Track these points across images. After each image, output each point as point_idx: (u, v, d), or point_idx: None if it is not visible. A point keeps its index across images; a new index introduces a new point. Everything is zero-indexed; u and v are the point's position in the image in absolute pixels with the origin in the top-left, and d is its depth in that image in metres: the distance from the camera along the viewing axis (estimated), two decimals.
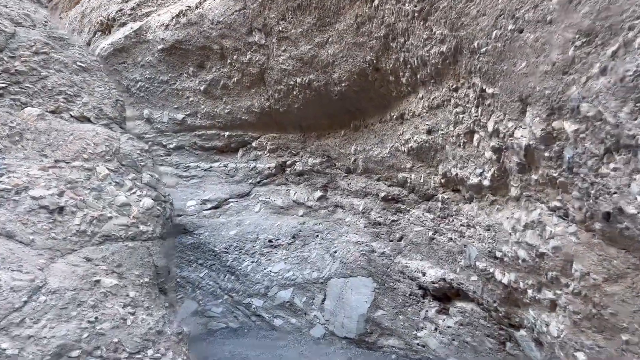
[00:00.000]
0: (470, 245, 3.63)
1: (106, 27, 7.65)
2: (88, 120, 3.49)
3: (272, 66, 5.17)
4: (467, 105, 3.29)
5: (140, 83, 6.80)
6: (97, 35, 7.88)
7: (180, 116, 6.47)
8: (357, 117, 4.79)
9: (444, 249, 4.04)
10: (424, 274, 4.17)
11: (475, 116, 3.21)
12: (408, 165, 4.31)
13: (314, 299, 4.92)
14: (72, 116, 3.40)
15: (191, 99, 6.34)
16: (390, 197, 4.60)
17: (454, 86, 3.38)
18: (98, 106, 3.59)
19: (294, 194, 5.57)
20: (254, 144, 5.99)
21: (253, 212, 5.75)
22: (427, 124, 3.81)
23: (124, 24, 7.13)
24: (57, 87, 3.44)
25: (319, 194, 5.36)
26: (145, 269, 3.13)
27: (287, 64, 4.93)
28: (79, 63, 3.63)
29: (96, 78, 3.71)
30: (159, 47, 6.38)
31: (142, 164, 3.53)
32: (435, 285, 4.04)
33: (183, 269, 5.54)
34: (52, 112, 3.34)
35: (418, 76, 3.73)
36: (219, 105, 6.08)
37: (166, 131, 6.66)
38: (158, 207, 3.44)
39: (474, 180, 3.36)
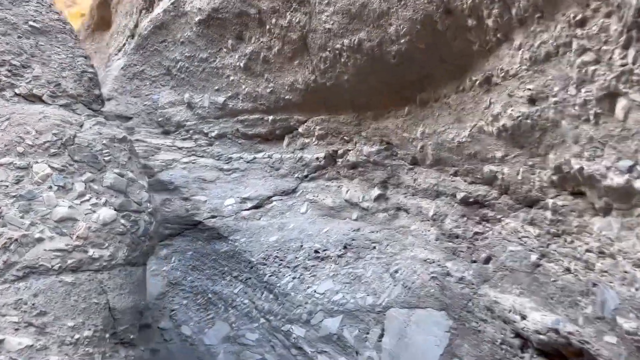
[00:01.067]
0: (606, 286, 2.20)
1: (150, 4, 6.97)
2: (39, 99, 2.58)
3: (314, 27, 3.99)
4: (605, 49, 1.88)
5: (180, 63, 5.96)
6: (142, 14, 7.24)
7: (221, 99, 5.52)
8: (425, 87, 3.45)
9: (556, 283, 2.62)
10: (523, 317, 2.78)
11: (622, 65, 1.80)
12: (498, 154, 2.91)
13: (368, 333, 3.71)
14: (16, 94, 2.51)
15: (231, 77, 5.36)
16: (472, 200, 3.22)
17: (578, 17, 1.98)
18: (54, 80, 2.65)
19: (347, 191, 4.37)
20: (300, 130, 4.86)
21: (298, 214, 4.64)
22: (530, 89, 2.41)
23: None
24: None
25: (376, 192, 4.10)
26: (88, 315, 2.14)
27: (331, 22, 3.73)
28: (31, 23, 2.72)
29: (56, 42, 2.78)
30: (197, 19, 5.48)
31: (106, 158, 2.54)
32: (542, 336, 2.64)
33: (216, 282, 4.61)
34: None
35: (513, 12, 2.34)
36: (261, 83, 5.02)
37: (207, 117, 5.76)
38: (123, 221, 2.43)
39: (616, 179, 1.95)
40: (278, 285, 4.22)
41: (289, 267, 4.23)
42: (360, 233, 4.11)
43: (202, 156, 5.69)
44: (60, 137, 2.43)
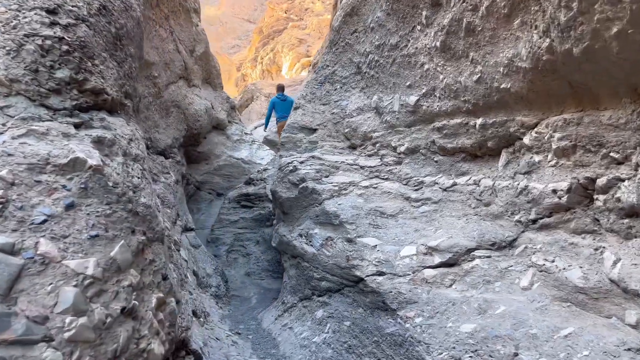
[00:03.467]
0: None
1: None
2: None
3: None
4: None
5: (370, 56, 4.61)
6: (338, 5, 6.17)
7: (413, 98, 3.91)
8: None
9: None
10: None
11: None
12: None
13: None
14: None
15: (426, 66, 3.70)
16: None
17: None
18: None
19: (615, 262, 2.19)
20: (526, 140, 2.85)
21: (516, 289, 2.65)
22: None
23: None
24: None
25: None
26: None
27: None
28: None
29: None
30: None
31: None
32: None
33: None
34: None
35: None
36: (464, 68, 3.23)
37: (397, 125, 4.22)
38: None
39: None
40: None
41: None
42: None
43: (386, 178, 4.16)
44: None
